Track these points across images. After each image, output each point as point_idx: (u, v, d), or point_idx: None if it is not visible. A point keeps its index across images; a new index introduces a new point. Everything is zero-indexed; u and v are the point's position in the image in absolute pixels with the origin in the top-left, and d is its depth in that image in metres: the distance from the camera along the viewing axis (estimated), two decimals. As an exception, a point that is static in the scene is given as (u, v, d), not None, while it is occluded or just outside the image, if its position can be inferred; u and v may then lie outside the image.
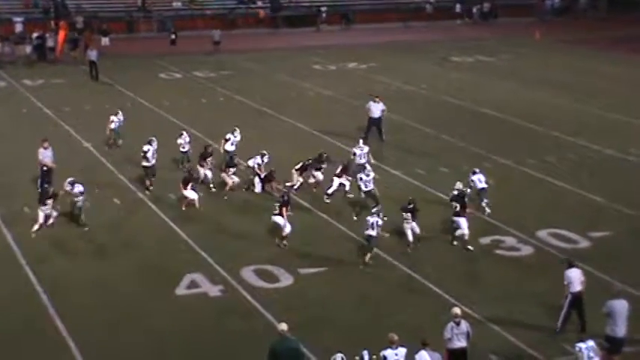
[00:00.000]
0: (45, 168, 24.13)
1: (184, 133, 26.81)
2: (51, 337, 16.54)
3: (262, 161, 24.54)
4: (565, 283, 16.38)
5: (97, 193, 23.83)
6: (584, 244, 21.02)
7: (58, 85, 40.28)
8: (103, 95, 37.65)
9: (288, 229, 20.49)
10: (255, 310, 17.61)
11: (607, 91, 38.93)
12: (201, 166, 24.52)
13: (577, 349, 14.04)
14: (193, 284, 18.71)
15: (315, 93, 38.64)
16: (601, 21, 62.34)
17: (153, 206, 23.45)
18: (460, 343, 14.63)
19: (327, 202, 23.56)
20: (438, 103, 36.32)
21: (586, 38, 53.80)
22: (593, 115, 34.18)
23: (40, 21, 52.34)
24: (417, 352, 13.87)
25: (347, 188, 23.70)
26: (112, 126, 28.63)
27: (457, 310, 14.87)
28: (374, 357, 13.85)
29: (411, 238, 20.41)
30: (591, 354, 13.93)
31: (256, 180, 24.36)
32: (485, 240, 21.08)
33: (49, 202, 21.41)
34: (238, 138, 26.13)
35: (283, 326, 14.11)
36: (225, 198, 23.97)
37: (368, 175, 22.69)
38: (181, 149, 26.30)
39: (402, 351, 13.92)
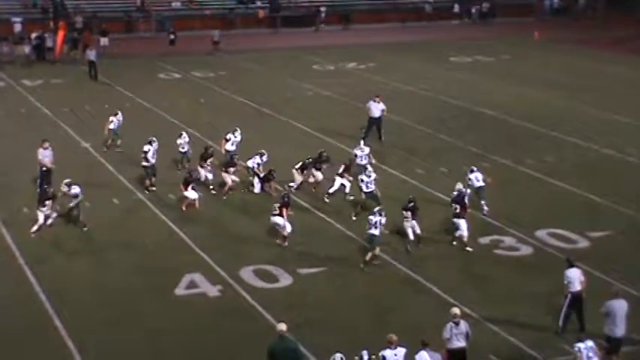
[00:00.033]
0: (44, 169, 24.12)
1: (184, 133, 26.82)
2: (50, 337, 16.55)
3: (261, 160, 24.55)
4: (565, 282, 16.40)
5: (95, 194, 23.85)
6: (583, 243, 21.03)
7: (56, 85, 40.27)
8: (102, 95, 37.64)
9: (288, 229, 20.48)
10: (254, 310, 17.61)
11: (606, 91, 38.94)
12: (202, 167, 24.49)
13: (576, 349, 14.04)
14: (192, 284, 18.71)
15: (314, 93, 38.65)
16: (600, 21, 62.34)
17: (152, 206, 23.45)
18: (459, 343, 14.63)
19: (327, 201, 23.56)
20: (437, 103, 36.33)
21: (585, 38, 53.80)
22: (592, 115, 34.19)
23: (39, 21, 52.28)
24: (417, 353, 13.88)
25: (347, 189, 23.68)
26: (111, 126, 28.59)
27: (456, 310, 14.87)
28: (373, 357, 13.85)
29: (411, 236, 20.44)
30: (590, 354, 13.94)
31: (255, 180, 24.36)
32: (485, 240, 21.09)
33: (48, 202, 21.40)
34: (239, 138, 26.13)
35: (282, 326, 14.12)
36: (225, 198, 23.97)
37: (369, 176, 22.67)
38: (181, 149, 26.30)
39: (400, 351, 13.93)
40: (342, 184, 23.70)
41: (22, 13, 54.32)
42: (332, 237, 21.48)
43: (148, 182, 24.47)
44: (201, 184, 24.15)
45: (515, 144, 29.86)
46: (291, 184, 24.22)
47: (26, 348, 16.20)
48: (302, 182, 24.44)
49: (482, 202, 22.67)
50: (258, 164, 24.52)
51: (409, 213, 20.56)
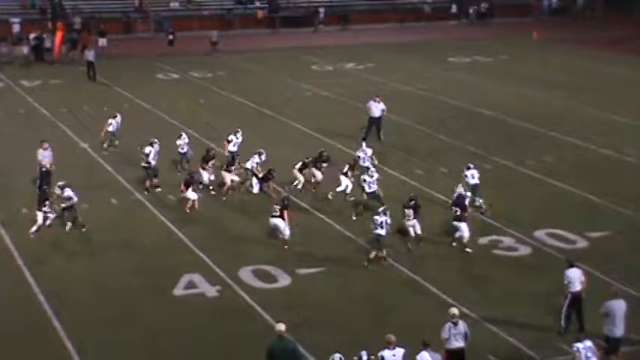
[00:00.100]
0: (44, 169, 24.10)
1: (183, 134, 26.78)
2: (49, 337, 16.54)
3: (260, 160, 24.55)
4: (565, 282, 16.41)
5: (94, 194, 23.86)
6: (582, 244, 21.04)
7: (55, 86, 40.26)
8: (100, 96, 37.64)
9: (287, 232, 20.44)
10: (253, 310, 17.61)
11: (605, 91, 38.95)
12: (204, 169, 24.42)
13: (575, 349, 14.05)
14: (191, 284, 18.71)
15: (312, 93, 38.65)
16: (598, 21, 62.35)
17: (151, 207, 23.44)
18: (458, 343, 14.63)
19: (330, 198, 23.57)
20: (435, 104, 36.33)
21: (583, 38, 53.80)
22: (591, 115, 34.21)
23: (38, 22, 52.27)
24: (418, 353, 13.88)
25: (348, 190, 23.67)
26: (110, 129, 28.55)
27: (455, 311, 14.87)
28: (372, 357, 13.85)
29: (419, 231, 20.49)
30: (589, 354, 13.95)
31: (254, 181, 24.35)
32: (484, 240, 21.10)
33: (48, 203, 21.38)
34: (240, 139, 26.12)
35: (281, 327, 14.13)
36: (224, 199, 23.96)
37: (372, 177, 22.66)
38: (180, 150, 26.26)
39: (399, 351, 13.93)
40: (346, 184, 23.68)
41: (20, 14, 54.30)
42: (331, 237, 21.48)
43: (148, 183, 24.42)
44: (203, 187, 24.09)
45: (513, 144, 29.88)
46: (298, 185, 24.20)
47: (25, 348, 16.19)
48: (303, 183, 24.41)
49: (481, 201, 22.71)
50: (257, 164, 24.52)
51: (411, 211, 20.58)
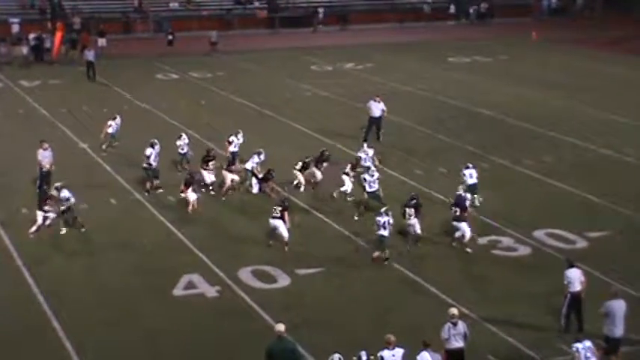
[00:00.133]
0: (44, 170, 24.10)
1: (183, 134, 26.74)
2: (48, 337, 16.54)
3: (259, 159, 24.55)
4: (565, 282, 16.43)
5: (93, 194, 23.87)
6: (581, 244, 21.04)
7: (54, 86, 40.26)
8: (99, 96, 37.64)
9: (287, 233, 20.40)
10: (252, 311, 17.61)
11: (604, 91, 38.96)
12: (205, 169, 24.39)
13: (574, 349, 14.06)
14: (191, 285, 18.71)
15: (312, 93, 38.65)
16: (597, 21, 62.36)
17: (150, 207, 23.44)
18: (457, 343, 14.64)
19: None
20: (435, 104, 36.34)
21: (582, 38, 53.82)
22: (590, 115, 34.22)
23: (37, 22, 52.27)
24: (419, 353, 13.88)
25: (349, 190, 23.68)
26: (110, 130, 28.53)
27: (454, 311, 14.88)
28: (371, 357, 13.85)
29: (419, 231, 20.53)
30: (588, 354, 13.96)
31: (254, 181, 24.35)
32: (483, 240, 21.08)
33: (48, 203, 21.36)
34: (241, 140, 26.11)
35: (281, 327, 14.13)
36: (224, 199, 23.95)
37: (372, 176, 22.67)
38: (180, 151, 26.23)
39: (399, 352, 13.94)
40: (350, 183, 23.69)
41: (19, 14, 54.29)
42: (330, 237, 21.48)
43: (148, 185, 24.33)
44: (204, 188, 24.07)
45: (513, 144, 29.89)
46: (299, 187, 24.19)
47: (24, 349, 16.19)
48: (304, 183, 24.41)
49: (481, 199, 22.74)
50: (257, 164, 24.52)
51: (412, 210, 20.60)
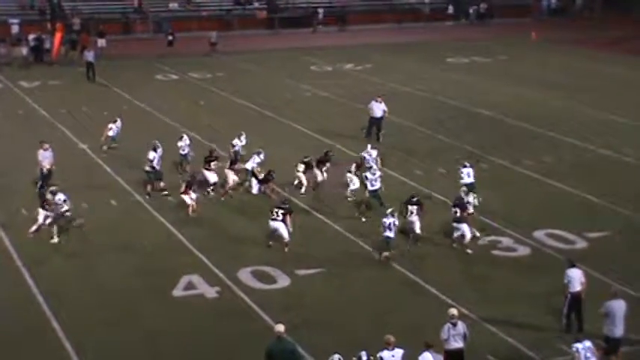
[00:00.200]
0: (44, 170, 24.10)
1: (184, 135, 26.66)
2: (48, 338, 16.54)
3: (260, 159, 24.56)
4: (565, 282, 16.45)
5: (93, 195, 23.87)
6: (580, 244, 21.05)
7: (54, 87, 40.26)
8: (99, 97, 37.64)
9: (287, 235, 20.38)
10: (252, 311, 17.61)
11: (603, 91, 38.97)
12: (208, 170, 24.36)
13: (574, 349, 14.07)
14: (190, 286, 18.71)
15: (312, 94, 38.66)
16: (597, 21, 62.39)
17: (150, 208, 23.43)
18: (457, 344, 14.64)
19: (348, 198, 23.60)
20: (434, 104, 36.35)
21: (582, 39, 53.82)
22: (590, 116, 34.23)
23: (37, 22, 52.27)
24: (421, 354, 13.89)
25: (349, 192, 23.69)
26: (110, 133, 28.52)
27: (454, 311, 14.89)
28: (371, 358, 13.85)
29: (418, 230, 20.54)
30: (588, 354, 13.97)
31: (253, 182, 24.34)
32: (482, 241, 21.09)
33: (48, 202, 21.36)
34: (244, 142, 26.10)
35: (280, 328, 14.14)
36: (223, 199, 23.96)
37: (374, 174, 22.69)
38: (181, 152, 26.15)
39: (398, 352, 13.95)
40: (353, 182, 23.69)
41: (19, 15, 54.27)
42: (330, 238, 21.49)
43: (149, 187, 24.23)
44: (206, 189, 24.06)
45: (512, 144, 29.90)
46: (300, 188, 24.19)
47: (24, 350, 16.19)
48: (306, 183, 24.43)
49: (480, 199, 22.75)
50: (257, 163, 24.53)
51: (414, 207, 20.66)
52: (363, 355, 13.79)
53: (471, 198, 21.62)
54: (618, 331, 15.15)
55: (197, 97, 37.57)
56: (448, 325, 14.67)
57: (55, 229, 21.02)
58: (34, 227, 21.15)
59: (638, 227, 22.20)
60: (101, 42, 47.81)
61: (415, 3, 63.51)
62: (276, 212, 20.34)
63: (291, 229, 20.40)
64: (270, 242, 20.58)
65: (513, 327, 16.80)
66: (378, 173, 22.89)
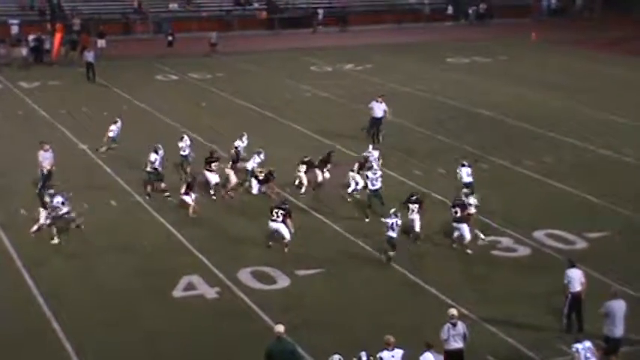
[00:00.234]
0: (44, 171, 24.09)
1: (185, 136, 26.61)
2: (48, 339, 16.53)
3: (260, 159, 24.56)
4: (565, 282, 16.45)
5: (93, 196, 23.88)
6: (580, 244, 21.05)
7: (54, 87, 40.26)
8: (99, 97, 37.64)
9: (288, 236, 20.37)
10: (252, 312, 17.61)
11: (603, 91, 38.98)
12: (209, 171, 24.34)
13: (574, 349, 14.07)
14: (190, 286, 18.70)
15: (312, 94, 38.66)
16: (596, 22, 62.40)
17: (150, 209, 23.42)
18: (457, 344, 14.64)
19: (349, 200, 23.64)
20: (434, 104, 36.35)
21: (582, 39, 53.84)
22: (589, 116, 34.23)
23: (36, 23, 52.29)
24: (422, 354, 13.89)
25: (350, 189, 23.70)
26: (111, 134, 28.51)
27: (454, 311, 14.90)
28: (371, 358, 13.85)
29: (418, 228, 20.55)
30: (588, 354, 13.97)
31: (253, 182, 24.34)
32: (482, 241, 21.07)
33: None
34: (246, 143, 26.10)
35: (280, 328, 14.14)
36: (225, 198, 23.92)
37: (375, 174, 22.70)
38: (182, 153, 26.10)
39: (398, 353, 13.95)
40: (357, 182, 23.69)
41: (19, 15, 54.29)
42: (329, 238, 21.49)
43: (149, 188, 24.20)
44: (206, 187, 24.05)
45: (512, 144, 29.91)
46: (301, 189, 24.19)
47: (24, 351, 16.18)
48: (307, 183, 24.43)
49: (472, 198, 22.77)
50: (258, 163, 24.53)
51: (416, 205, 20.71)
52: (363, 355, 13.79)
53: (472, 200, 21.59)
54: (618, 331, 15.15)
55: (197, 98, 37.54)
56: (448, 325, 14.67)
57: (54, 230, 21.02)
58: (35, 227, 21.14)
59: (638, 227, 22.21)
60: (101, 42, 47.82)
61: (415, 3, 63.51)
62: (276, 213, 20.33)
63: (292, 230, 20.41)
64: (270, 243, 20.59)
65: (513, 327, 16.80)
66: (379, 173, 22.92)
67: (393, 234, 19.62)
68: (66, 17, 53.99)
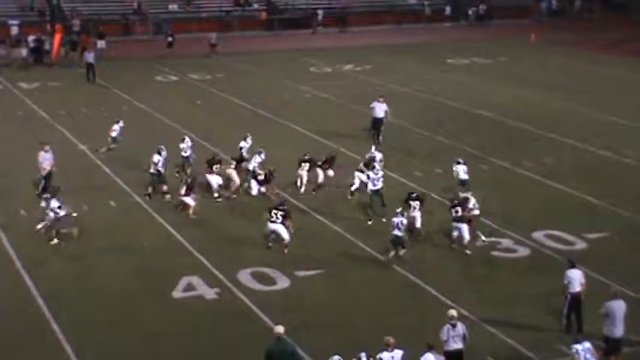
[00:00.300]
0: (45, 172, 24.08)
1: (187, 137, 26.55)
2: (48, 340, 16.52)
3: (261, 159, 24.56)
4: (565, 282, 16.45)
5: (93, 196, 23.88)
6: (580, 245, 21.05)
7: (54, 88, 40.26)
8: (99, 98, 37.64)
9: (288, 237, 20.37)
10: (251, 312, 17.61)
11: (603, 92, 38.99)
12: (211, 173, 24.33)
13: (574, 350, 14.07)
14: (190, 287, 18.70)
15: (311, 95, 38.67)
16: (596, 23, 62.42)
17: (149, 209, 23.42)
18: (456, 345, 14.64)
19: (350, 198, 23.67)
20: (434, 105, 36.36)
21: (581, 40, 53.85)
22: (589, 117, 34.24)
23: (36, 24, 52.29)
24: (423, 355, 13.89)
25: (353, 188, 23.73)
26: (113, 134, 28.49)
27: (453, 312, 14.89)
28: (371, 359, 13.85)
29: (419, 225, 20.63)
30: (588, 355, 13.97)
31: (253, 183, 24.33)
32: (481, 242, 21.06)
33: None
34: (250, 143, 26.10)
35: (280, 329, 14.14)
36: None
37: (376, 174, 22.70)
38: (183, 154, 26.04)
39: (398, 353, 13.94)
40: (361, 181, 23.70)
41: (19, 16, 54.29)
42: (329, 239, 21.49)
43: (150, 189, 24.16)
44: (208, 189, 24.05)
45: (512, 145, 29.90)
46: (301, 189, 24.18)
47: (23, 352, 16.17)
48: (306, 184, 24.44)
49: (471, 200, 22.78)
50: (259, 163, 24.53)
51: (417, 202, 20.73)
52: (363, 356, 13.79)
53: (472, 202, 21.54)
54: (618, 331, 15.15)
55: (197, 99, 37.55)
56: (447, 326, 14.66)
57: (54, 231, 20.99)
58: (40, 225, 21.09)
59: (638, 228, 22.21)
60: (101, 43, 47.82)
61: (414, 4, 63.52)
62: (275, 214, 20.32)
63: (292, 231, 20.40)
64: (270, 244, 20.58)
65: (513, 328, 16.80)
66: (381, 173, 22.94)
67: (399, 233, 19.61)
68: (66, 18, 54.01)
